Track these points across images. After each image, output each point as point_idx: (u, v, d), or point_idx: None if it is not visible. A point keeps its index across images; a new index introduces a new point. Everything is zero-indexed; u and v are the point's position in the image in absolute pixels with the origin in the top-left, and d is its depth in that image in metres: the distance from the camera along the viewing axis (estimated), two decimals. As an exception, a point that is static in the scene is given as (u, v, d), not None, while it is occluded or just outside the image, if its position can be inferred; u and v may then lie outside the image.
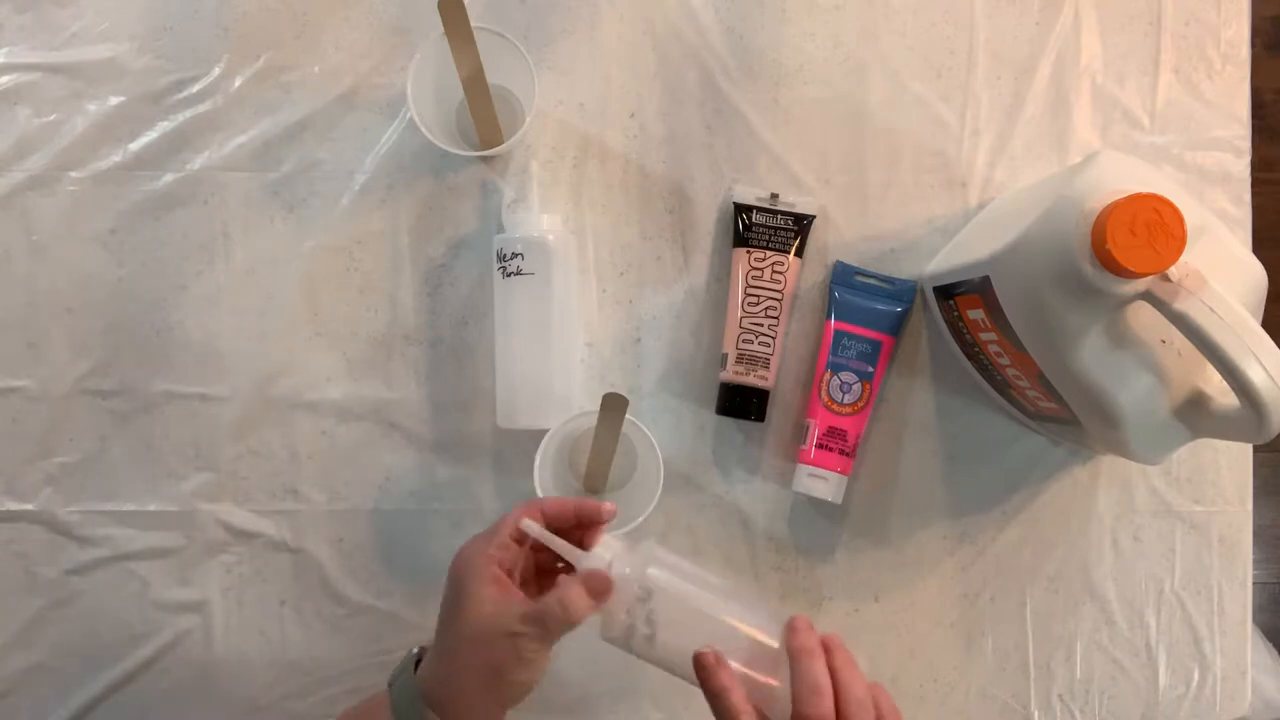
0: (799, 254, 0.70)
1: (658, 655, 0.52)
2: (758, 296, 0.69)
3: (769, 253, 0.70)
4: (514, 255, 0.66)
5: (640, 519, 0.63)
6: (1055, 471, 0.73)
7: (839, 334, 0.70)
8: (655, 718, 0.72)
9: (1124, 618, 0.73)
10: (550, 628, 0.50)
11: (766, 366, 0.69)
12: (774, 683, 0.50)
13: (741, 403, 0.69)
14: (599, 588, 0.51)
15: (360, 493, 0.71)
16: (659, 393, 0.72)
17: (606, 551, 0.52)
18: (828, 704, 0.48)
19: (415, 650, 0.54)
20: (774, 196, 0.70)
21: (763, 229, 0.70)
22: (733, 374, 0.69)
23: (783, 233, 0.70)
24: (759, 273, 0.69)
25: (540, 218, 0.67)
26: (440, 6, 0.60)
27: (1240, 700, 0.74)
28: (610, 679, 0.72)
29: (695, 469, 0.71)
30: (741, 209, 0.70)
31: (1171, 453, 0.58)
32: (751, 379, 0.69)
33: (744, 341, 0.69)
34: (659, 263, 0.72)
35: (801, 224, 0.70)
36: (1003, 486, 0.73)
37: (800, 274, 0.71)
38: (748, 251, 0.70)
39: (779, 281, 0.69)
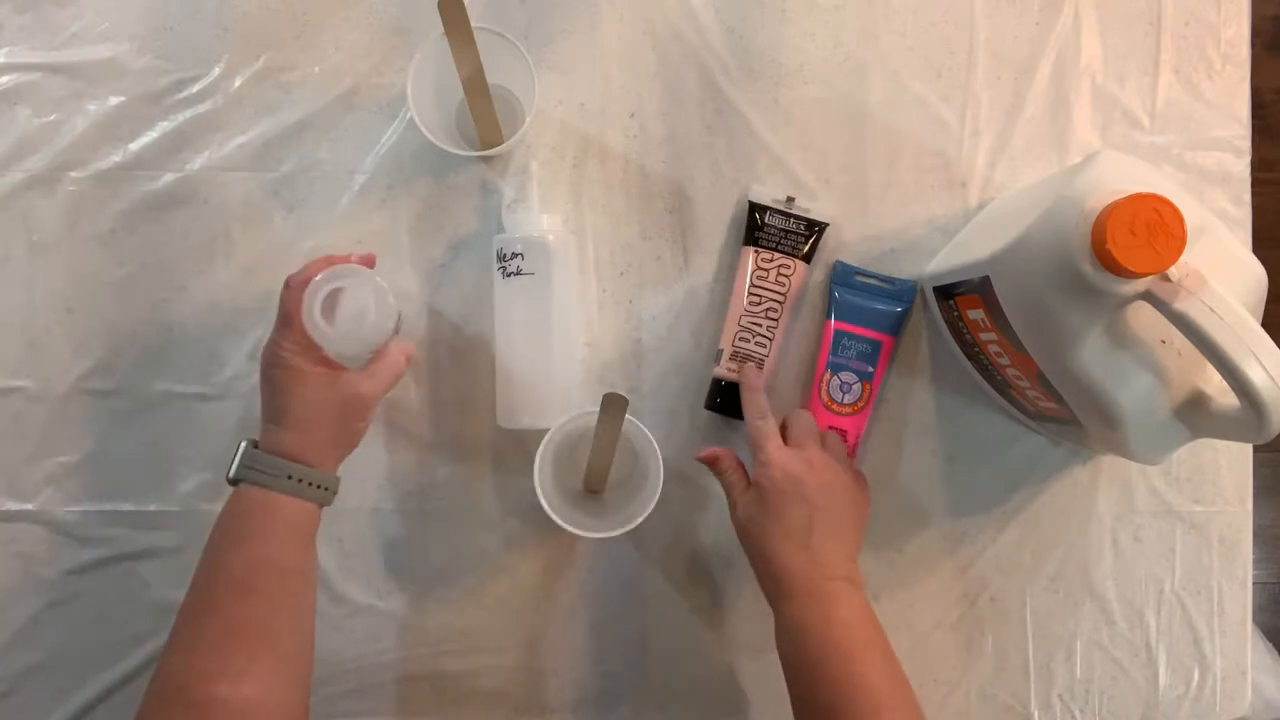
0: (807, 259, 0.70)
1: None
2: (760, 296, 0.69)
3: (777, 255, 0.70)
4: (514, 255, 0.66)
5: (640, 518, 0.63)
6: (1055, 471, 0.73)
7: (839, 334, 0.70)
8: (656, 718, 0.72)
9: (1124, 618, 0.73)
10: (386, 384, 0.61)
11: (761, 366, 0.69)
12: None
13: (731, 400, 0.69)
14: (409, 351, 0.64)
15: (360, 493, 0.71)
16: (659, 392, 0.72)
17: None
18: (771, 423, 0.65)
19: (242, 443, 0.58)
20: (790, 200, 0.70)
21: (775, 231, 0.70)
22: (726, 370, 0.69)
23: (794, 236, 0.70)
24: (764, 273, 0.69)
25: (540, 218, 0.67)
26: (440, 6, 0.60)
27: (1240, 700, 0.74)
28: (611, 679, 0.72)
29: (695, 468, 0.71)
30: (756, 208, 0.70)
31: (1171, 453, 0.58)
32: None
33: (741, 339, 0.69)
34: (659, 263, 0.72)
35: (813, 230, 0.70)
36: (1003, 486, 0.73)
37: (805, 279, 0.71)
38: (756, 251, 0.70)
39: (783, 284, 0.69)
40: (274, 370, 0.58)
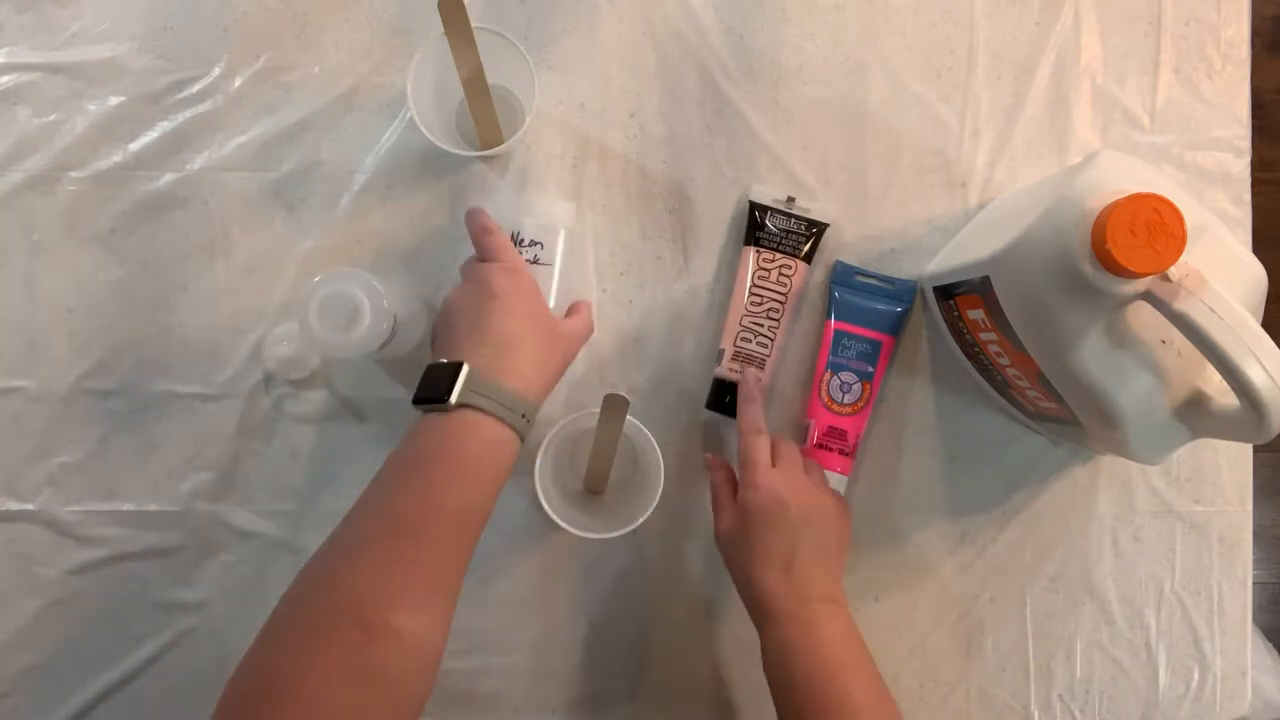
0: (808, 260, 0.70)
1: None
2: (761, 296, 0.69)
3: (778, 255, 0.70)
4: (532, 243, 0.66)
5: (641, 519, 0.63)
6: (1055, 471, 0.73)
7: (839, 334, 0.70)
8: (655, 718, 0.72)
9: (1124, 618, 0.73)
10: (584, 336, 0.64)
11: (762, 367, 0.69)
12: None
13: (732, 400, 0.69)
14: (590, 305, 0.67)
15: (360, 493, 0.71)
16: (659, 392, 0.72)
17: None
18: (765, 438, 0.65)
19: (465, 367, 0.54)
20: (791, 200, 0.70)
21: (776, 231, 0.70)
22: (728, 370, 0.69)
23: (794, 236, 0.70)
24: (766, 273, 0.69)
25: (568, 207, 0.68)
26: (440, 6, 0.60)
27: (1240, 700, 0.74)
28: (611, 679, 0.72)
29: (695, 469, 0.71)
30: (757, 208, 0.70)
31: (1171, 453, 0.58)
32: (749, 378, 0.69)
33: (742, 339, 0.69)
34: (659, 263, 0.72)
35: (814, 230, 0.70)
36: (1003, 486, 0.73)
37: (806, 279, 0.71)
38: (757, 251, 0.70)
39: (784, 284, 0.69)
40: (509, 289, 0.57)
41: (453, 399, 0.53)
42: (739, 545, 0.62)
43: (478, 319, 0.57)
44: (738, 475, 0.65)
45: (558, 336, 0.60)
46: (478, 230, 0.61)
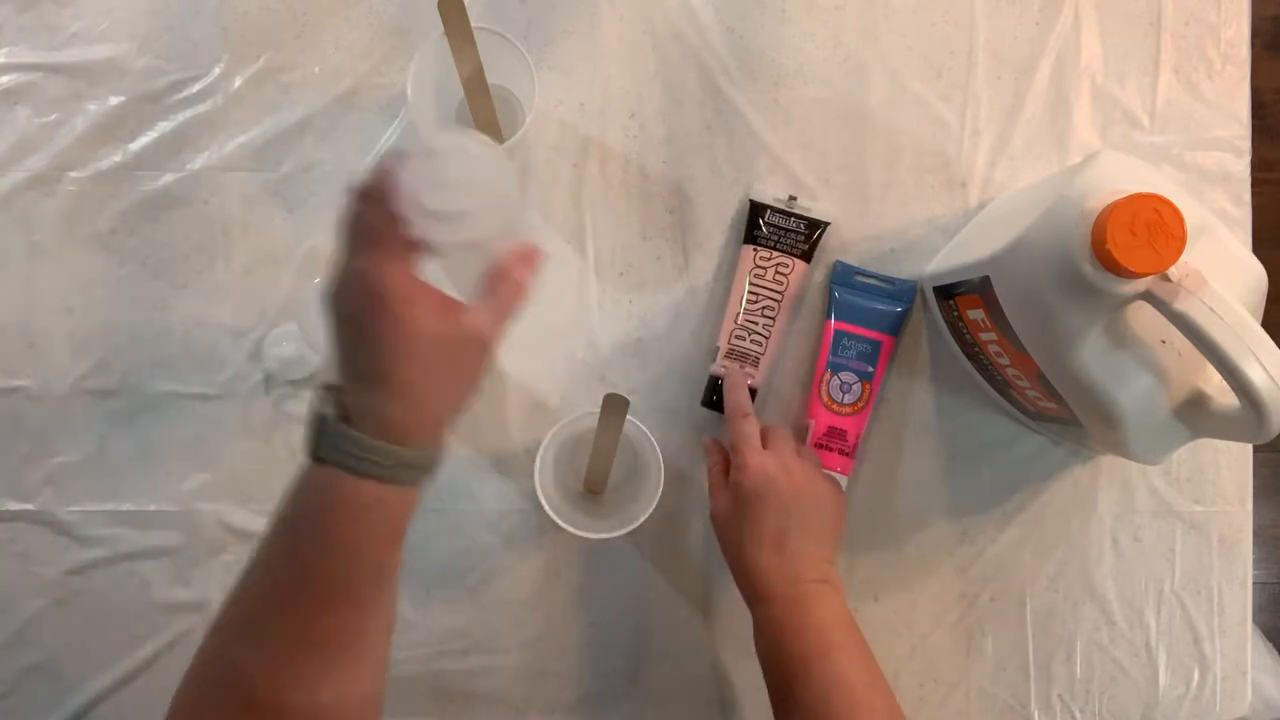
0: (807, 259, 0.70)
1: None
2: (757, 295, 0.69)
3: (776, 253, 0.70)
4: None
5: (641, 519, 0.63)
6: (1055, 471, 0.73)
7: (839, 334, 0.70)
8: (655, 718, 0.72)
9: (1124, 618, 0.73)
10: (507, 316, 0.47)
11: (756, 365, 0.69)
12: None
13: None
14: (531, 255, 0.48)
15: (360, 493, 0.71)
16: (659, 392, 0.72)
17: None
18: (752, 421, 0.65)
19: (326, 412, 0.43)
20: (792, 199, 0.70)
21: (774, 230, 0.70)
22: (722, 368, 0.69)
23: (793, 235, 0.70)
24: (762, 272, 0.69)
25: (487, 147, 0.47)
26: (440, 6, 0.60)
27: (1240, 700, 0.74)
28: (611, 679, 0.72)
29: (696, 468, 0.71)
30: (757, 207, 0.70)
31: (1171, 453, 0.58)
32: (743, 376, 0.69)
33: (736, 338, 0.69)
34: (659, 263, 0.72)
35: (814, 229, 0.70)
36: (1003, 486, 0.73)
37: (805, 279, 0.71)
38: (754, 250, 0.70)
39: (780, 283, 0.69)
40: (371, 312, 0.42)
41: (317, 455, 0.43)
42: (731, 526, 0.62)
43: (350, 334, 0.44)
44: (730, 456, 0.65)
45: (460, 342, 0.45)
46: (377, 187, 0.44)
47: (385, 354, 0.43)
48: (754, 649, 0.62)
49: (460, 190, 0.43)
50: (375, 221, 0.43)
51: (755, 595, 0.61)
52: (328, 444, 0.43)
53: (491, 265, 0.47)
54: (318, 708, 0.44)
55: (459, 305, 0.45)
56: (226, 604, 0.46)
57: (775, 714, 0.59)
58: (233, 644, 0.45)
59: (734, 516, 0.62)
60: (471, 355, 0.46)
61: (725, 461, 0.66)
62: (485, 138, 0.45)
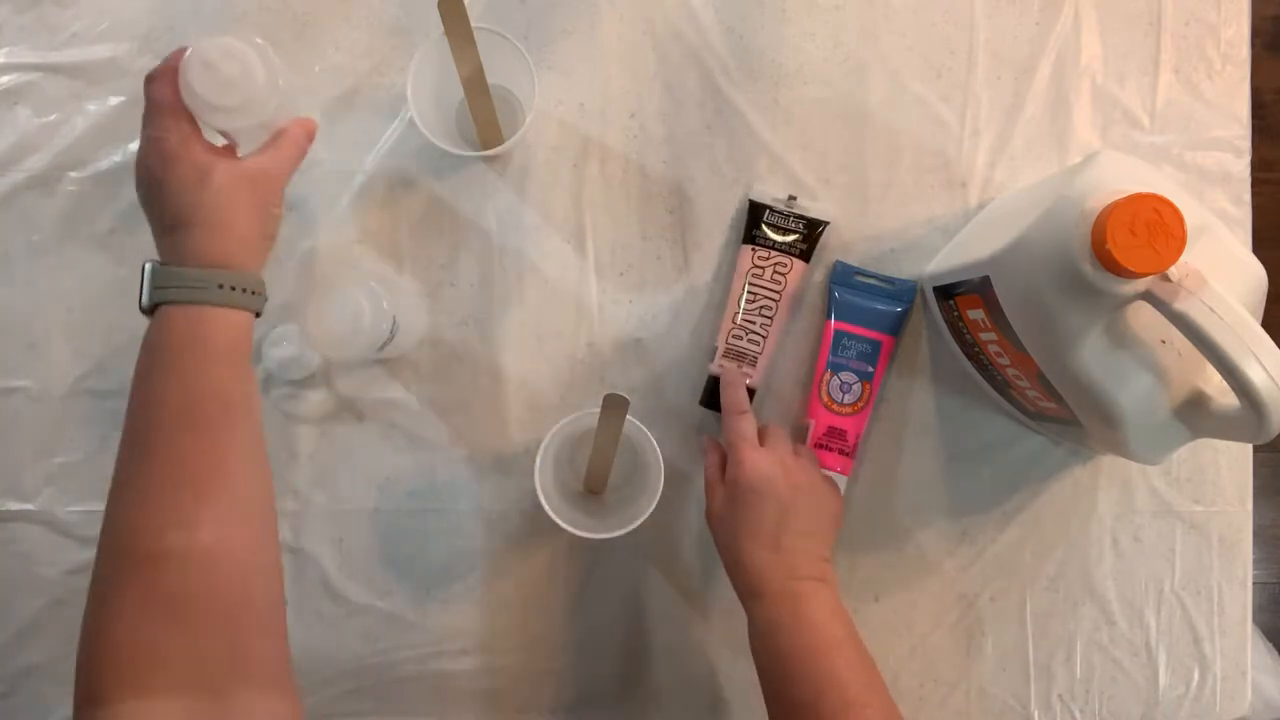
0: (806, 258, 0.70)
1: None
2: (755, 295, 0.69)
3: (775, 253, 0.70)
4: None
5: (641, 519, 0.63)
6: (1055, 471, 0.73)
7: (839, 334, 0.70)
8: (655, 718, 0.72)
9: (1124, 618, 0.73)
10: (292, 161, 0.57)
11: (754, 364, 0.69)
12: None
13: None
14: (305, 122, 0.59)
15: (360, 493, 0.71)
16: (659, 392, 0.72)
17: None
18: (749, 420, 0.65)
19: (146, 264, 0.51)
20: (791, 199, 0.70)
21: (774, 229, 0.70)
22: (720, 367, 0.69)
23: (793, 235, 0.70)
24: (760, 271, 0.69)
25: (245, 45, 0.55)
26: (440, 6, 0.59)
27: (1240, 700, 0.74)
28: (611, 679, 0.72)
29: (695, 468, 0.71)
30: (756, 207, 0.70)
31: (1171, 453, 0.58)
32: (739, 375, 0.69)
33: (734, 337, 0.69)
34: (659, 263, 0.72)
35: (813, 229, 0.70)
36: (1003, 486, 0.73)
37: (804, 278, 0.71)
38: (753, 249, 0.70)
39: (779, 283, 0.69)
40: (166, 168, 0.51)
41: (144, 303, 0.50)
42: (727, 523, 0.62)
43: (155, 192, 0.52)
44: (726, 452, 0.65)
45: (248, 174, 0.53)
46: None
47: (185, 198, 0.51)
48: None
49: (235, 86, 0.53)
50: (161, 98, 0.52)
51: (750, 591, 0.61)
52: (153, 289, 0.50)
53: (272, 122, 0.56)
54: (198, 549, 0.46)
55: (241, 156, 0.54)
56: (113, 474, 0.49)
57: (769, 711, 0.59)
58: (115, 503, 0.48)
59: (730, 513, 0.62)
60: (260, 185, 0.54)
61: (722, 460, 0.66)
62: (255, 39, 0.54)
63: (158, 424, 0.48)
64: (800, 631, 0.58)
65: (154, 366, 0.50)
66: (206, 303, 0.50)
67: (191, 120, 0.53)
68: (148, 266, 0.50)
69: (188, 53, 0.52)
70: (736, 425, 0.65)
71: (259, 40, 0.54)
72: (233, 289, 0.50)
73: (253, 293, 0.52)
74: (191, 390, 0.49)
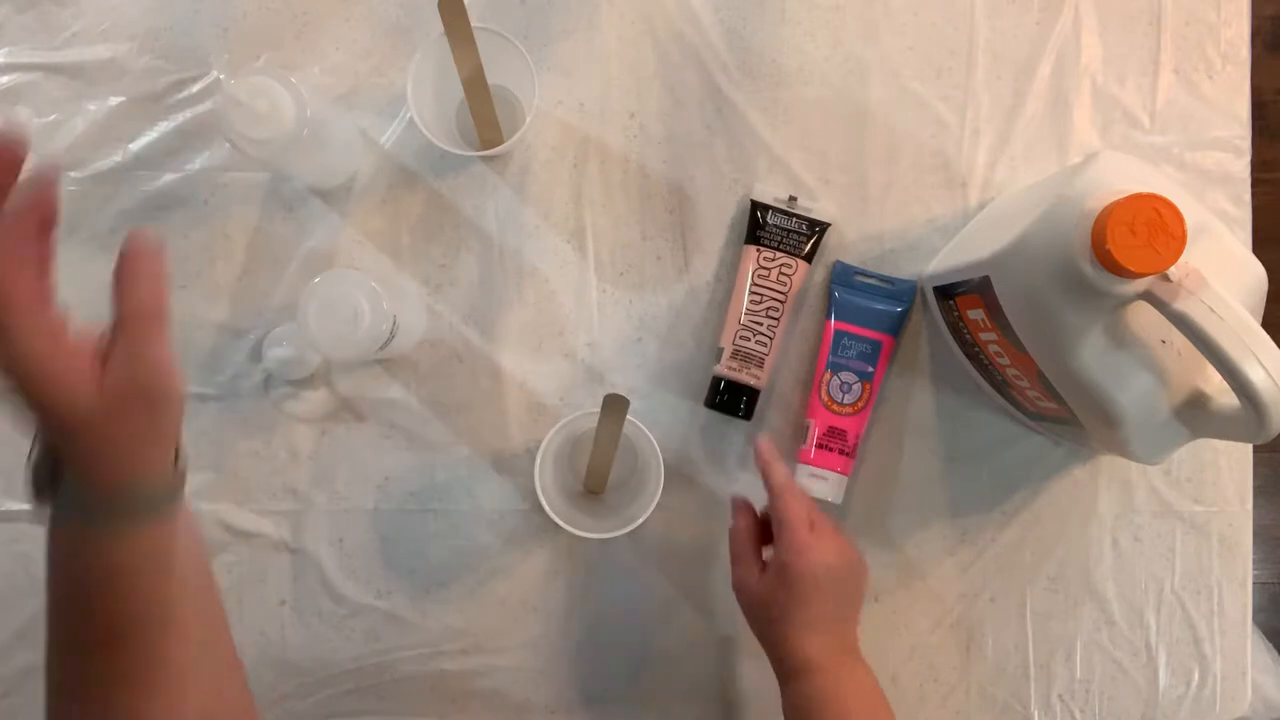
0: (808, 259, 0.70)
1: None
2: (761, 295, 0.69)
3: (779, 254, 0.70)
4: None
5: (641, 519, 0.63)
6: (1055, 471, 0.73)
7: (839, 334, 0.70)
8: (655, 718, 0.72)
9: (1124, 618, 0.73)
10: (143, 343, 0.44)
11: (761, 366, 0.69)
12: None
13: (731, 399, 0.69)
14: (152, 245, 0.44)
15: (360, 493, 0.71)
16: (659, 392, 0.72)
17: None
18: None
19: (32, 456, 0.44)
20: (792, 199, 0.70)
21: (777, 230, 0.70)
22: (726, 369, 0.69)
23: (795, 236, 0.70)
24: (766, 272, 0.69)
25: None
26: (440, 6, 0.60)
27: (1240, 700, 0.74)
28: (611, 679, 0.72)
29: (695, 468, 0.71)
30: (758, 207, 0.70)
31: (1171, 453, 0.58)
32: (744, 376, 0.69)
33: (741, 338, 0.69)
34: (659, 263, 0.72)
35: (815, 229, 0.70)
36: (1003, 486, 0.73)
37: (806, 279, 0.71)
38: (758, 250, 0.70)
39: (784, 283, 0.69)
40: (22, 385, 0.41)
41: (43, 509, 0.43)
42: (773, 604, 0.60)
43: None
44: (774, 530, 0.62)
45: (126, 393, 0.43)
46: None
47: (57, 422, 0.42)
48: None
49: (265, 120, 0.58)
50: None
51: (792, 673, 0.60)
52: (60, 501, 0.44)
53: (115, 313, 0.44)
54: None
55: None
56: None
57: None
58: (51, 702, 0.45)
59: (780, 598, 0.60)
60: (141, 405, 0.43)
61: (755, 529, 0.64)
62: (280, 74, 0.59)
63: (82, 643, 0.44)
64: (840, 704, 0.59)
65: (69, 586, 0.46)
66: (113, 525, 0.44)
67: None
68: (49, 473, 0.44)
69: (221, 91, 0.57)
70: (791, 507, 0.61)
71: (292, 80, 0.59)
72: (129, 511, 0.44)
73: (166, 499, 0.44)
74: (115, 615, 0.44)
